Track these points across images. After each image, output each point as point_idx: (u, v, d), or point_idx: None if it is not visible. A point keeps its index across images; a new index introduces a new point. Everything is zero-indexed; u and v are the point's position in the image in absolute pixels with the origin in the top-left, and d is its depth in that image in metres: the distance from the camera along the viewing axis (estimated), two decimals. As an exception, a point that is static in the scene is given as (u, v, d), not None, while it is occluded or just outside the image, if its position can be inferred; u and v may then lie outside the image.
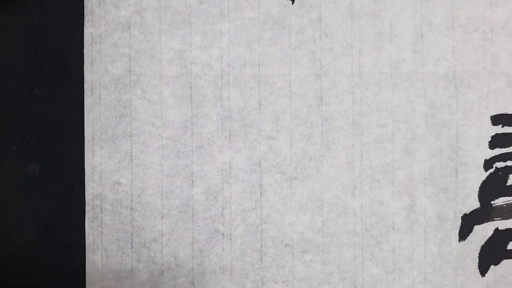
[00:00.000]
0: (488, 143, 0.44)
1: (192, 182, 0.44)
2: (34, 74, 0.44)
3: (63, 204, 0.44)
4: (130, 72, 0.44)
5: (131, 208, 0.44)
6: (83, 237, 0.44)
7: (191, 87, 0.44)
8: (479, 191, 0.44)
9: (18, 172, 0.44)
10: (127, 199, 0.44)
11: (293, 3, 0.44)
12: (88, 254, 0.44)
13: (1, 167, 0.44)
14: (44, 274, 0.44)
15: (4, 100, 0.44)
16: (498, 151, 0.44)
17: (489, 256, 0.44)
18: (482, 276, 0.44)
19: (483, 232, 0.44)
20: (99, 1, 0.44)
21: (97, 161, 0.44)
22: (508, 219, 0.44)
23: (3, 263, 0.44)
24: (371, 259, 0.44)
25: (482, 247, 0.44)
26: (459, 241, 0.44)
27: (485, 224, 0.44)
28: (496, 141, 0.44)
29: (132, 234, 0.44)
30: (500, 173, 0.44)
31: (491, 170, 0.44)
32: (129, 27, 0.44)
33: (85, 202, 0.44)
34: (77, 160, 0.44)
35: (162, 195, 0.44)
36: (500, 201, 0.44)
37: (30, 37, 0.44)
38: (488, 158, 0.44)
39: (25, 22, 0.44)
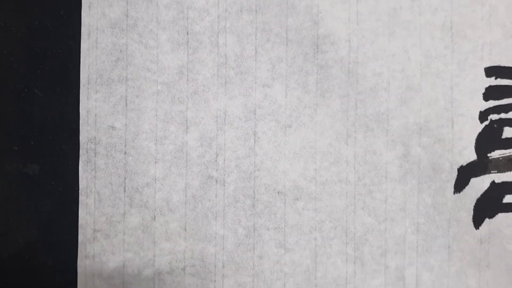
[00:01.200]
0: (482, 95, 0.44)
1: (187, 128, 0.44)
2: (34, 74, 0.44)
3: (63, 204, 0.44)
4: (127, 16, 0.44)
5: (125, 153, 0.44)
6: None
7: (187, 33, 0.44)
8: (475, 143, 0.44)
9: (18, 172, 0.44)
10: (121, 143, 0.44)
11: None
12: (81, 198, 0.44)
13: (1, 167, 0.44)
14: (44, 274, 0.44)
15: (4, 100, 0.44)
16: (492, 103, 0.44)
17: (484, 209, 0.44)
18: (476, 229, 0.44)
19: (479, 185, 0.44)
20: None
21: (92, 104, 0.44)
22: (505, 172, 0.44)
23: (3, 263, 0.44)
24: (363, 208, 0.44)
25: (478, 200, 0.44)
26: (454, 193, 0.44)
27: (481, 177, 0.44)
28: (489, 93, 0.44)
29: (125, 178, 0.44)
30: (495, 125, 0.44)
31: (486, 122, 0.44)
32: (127, -30, 0.44)
33: (79, 145, 0.44)
34: (77, 160, 0.44)
35: (156, 140, 0.44)
36: (496, 154, 0.44)
37: (30, 37, 0.44)
38: (483, 110, 0.44)
39: (25, 22, 0.44)
